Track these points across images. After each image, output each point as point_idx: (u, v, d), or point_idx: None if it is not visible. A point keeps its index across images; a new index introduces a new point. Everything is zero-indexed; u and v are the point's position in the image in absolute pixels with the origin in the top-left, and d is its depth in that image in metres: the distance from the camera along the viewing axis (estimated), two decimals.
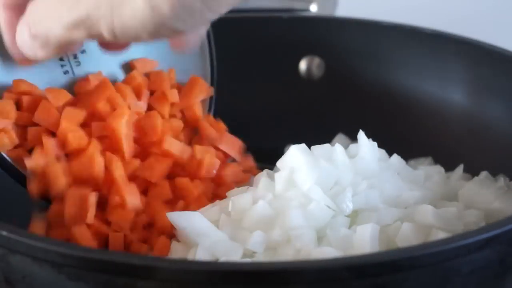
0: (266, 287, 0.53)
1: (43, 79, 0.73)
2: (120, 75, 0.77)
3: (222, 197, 0.72)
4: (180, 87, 0.79)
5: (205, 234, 0.65)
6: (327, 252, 0.62)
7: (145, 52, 0.79)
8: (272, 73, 0.94)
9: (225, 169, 0.75)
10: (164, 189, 0.72)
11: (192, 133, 0.79)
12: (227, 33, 0.93)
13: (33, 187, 0.69)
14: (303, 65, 0.94)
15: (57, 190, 0.68)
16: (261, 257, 0.64)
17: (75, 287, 0.54)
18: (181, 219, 0.66)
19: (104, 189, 0.69)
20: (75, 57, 0.75)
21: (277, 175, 0.69)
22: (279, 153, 0.71)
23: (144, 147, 0.73)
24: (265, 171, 0.72)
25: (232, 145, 0.78)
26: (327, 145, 0.70)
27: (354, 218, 0.67)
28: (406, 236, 0.64)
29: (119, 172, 0.69)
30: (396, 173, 0.71)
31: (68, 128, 0.69)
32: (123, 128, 0.70)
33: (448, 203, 0.71)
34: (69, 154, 0.70)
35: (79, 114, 0.71)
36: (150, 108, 0.76)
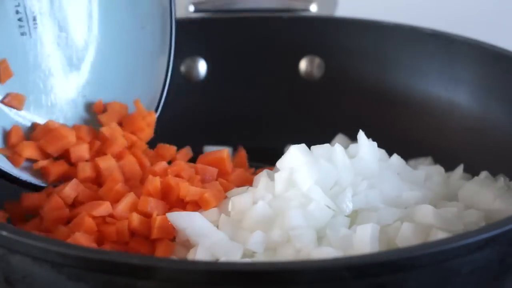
0: (266, 287, 0.53)
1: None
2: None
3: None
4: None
5: (205, 234, 0.65)
6: (327, 252, 0.62)
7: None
8: (272, 73, 0.94)
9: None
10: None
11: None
12: (227, 33, 0.93)
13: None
14: (303, 65, 0.94)
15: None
16: (261, 257, 0.64)
17: (75, 287, 0.54)
18: (181, 219, 0.66)
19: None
20: (34, 19, 0.75)
21: (277, 175, 0.69)
22: (279, 153, 0.71)
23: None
24: (265, 171, 0.72)
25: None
26: (327, 145, 0.70)
27: (354, 218, 0.67)
28: (406, 236, 0.64)
29: None
30: (396, 173, 0.71)
31: None
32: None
33: (448, 203, 0.71)
34: None
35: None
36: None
